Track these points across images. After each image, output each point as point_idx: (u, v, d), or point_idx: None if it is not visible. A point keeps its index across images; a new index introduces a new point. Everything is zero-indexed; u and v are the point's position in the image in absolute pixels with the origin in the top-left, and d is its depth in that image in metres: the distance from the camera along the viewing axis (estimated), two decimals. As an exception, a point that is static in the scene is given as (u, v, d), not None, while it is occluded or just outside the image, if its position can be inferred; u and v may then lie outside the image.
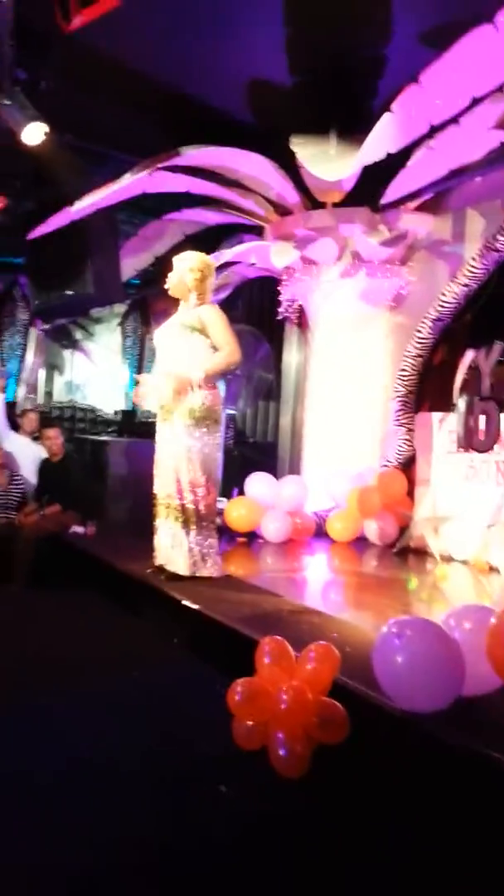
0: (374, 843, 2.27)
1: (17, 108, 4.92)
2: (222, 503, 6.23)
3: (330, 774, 2.53)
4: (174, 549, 4.22)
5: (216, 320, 4.16)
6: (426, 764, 2.47)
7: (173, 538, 4.22)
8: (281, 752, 2.50)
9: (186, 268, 4.23)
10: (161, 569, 4.33)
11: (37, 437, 6.41)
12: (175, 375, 4.09)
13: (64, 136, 6.17)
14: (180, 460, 4.15)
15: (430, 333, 6.09)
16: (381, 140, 4.86)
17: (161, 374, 4.19)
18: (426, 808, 2.38)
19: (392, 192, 5.77)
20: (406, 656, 2.50)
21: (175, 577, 4.16)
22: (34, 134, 5.08)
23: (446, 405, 5.88)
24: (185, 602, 3.90)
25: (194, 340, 4.15)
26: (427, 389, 6.38)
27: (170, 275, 4.31)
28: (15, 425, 6.71)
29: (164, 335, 4.30)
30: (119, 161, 6.43)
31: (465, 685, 2.54)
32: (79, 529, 5.57)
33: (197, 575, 4.19)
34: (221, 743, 2.69)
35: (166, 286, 4.32)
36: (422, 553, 5.62)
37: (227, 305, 8.33)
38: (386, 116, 4.67)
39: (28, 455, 6.28)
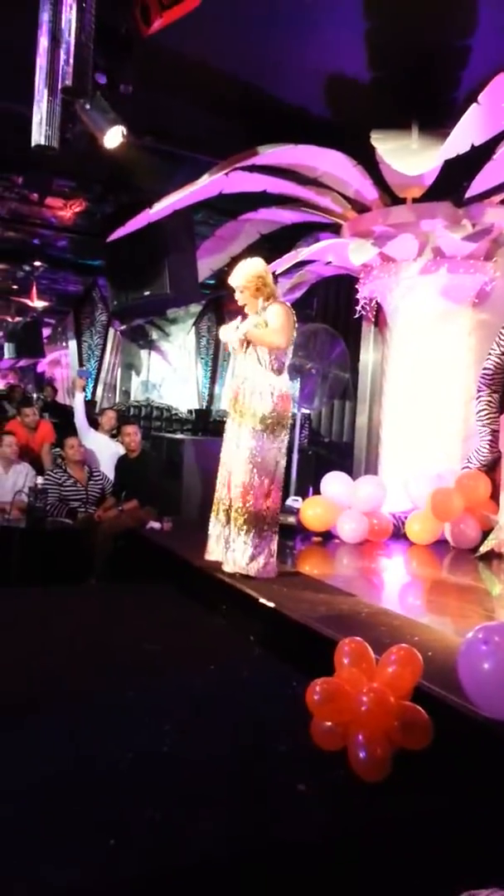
0: (452, 853, 2.19)
1: (98, 113, 5.01)
2: (297, 502, 6.20)
3: (411, 780, 2.46)
4: (227, 548, 4.23)
5: (276, 315, 4.10)
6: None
7: (226, 538, 4.22)
8: (361, 755, 2.44)
9: (241, 284, 4.21)
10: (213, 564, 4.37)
11: (115, 435, 6.55)
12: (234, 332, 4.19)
13: (143, 138, 6.28)
14: (241, 462, 4.14)
15: (515, 330, 5.88)
16: (467, 132, 4.72)
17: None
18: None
19: (477, 186, 5.61)
20: (493, 663, 2.41)
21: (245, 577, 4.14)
22: (114, 137, 5.16)
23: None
24: (261, 600, 3.88)
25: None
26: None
27: (237, 299, 4.31)
28: (94, 423, 6.87)
29: (235, 336, 4.29)
30: (197, 162, 6.50)
31: None
32: (155, 525, 5.64)
33: (249, 574, 4.16)
34: (300, 742, 2.65)
35: (244, 308, 4.32)
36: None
37: (301, 304, 8.32)
38: (473, 108, 4.53)
39: (107, 452, 6.42)
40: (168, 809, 2.24)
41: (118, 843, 2.05)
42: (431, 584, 4.99)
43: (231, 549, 4.22)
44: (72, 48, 3.61)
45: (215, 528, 4.35)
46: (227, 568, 4.23)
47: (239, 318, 4.37)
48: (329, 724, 2.57)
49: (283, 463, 4.27)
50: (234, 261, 8.12)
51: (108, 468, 6.21)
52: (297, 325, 4.24)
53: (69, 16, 3.62)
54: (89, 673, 3.37)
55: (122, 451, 6.14)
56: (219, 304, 12.02)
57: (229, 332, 4.28)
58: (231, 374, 4.44)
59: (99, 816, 2.20)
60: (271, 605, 3.80)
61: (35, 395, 9.97)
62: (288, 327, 4.12)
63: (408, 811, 2.36)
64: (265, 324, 4.12)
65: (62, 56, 3.68)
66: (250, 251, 7.77)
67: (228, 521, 4.26)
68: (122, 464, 5.99)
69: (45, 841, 2.06)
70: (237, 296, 4.29)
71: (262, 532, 4.20)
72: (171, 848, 2.07)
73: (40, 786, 2.34)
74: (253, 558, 4.16)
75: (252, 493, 4.14)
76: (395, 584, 5.00)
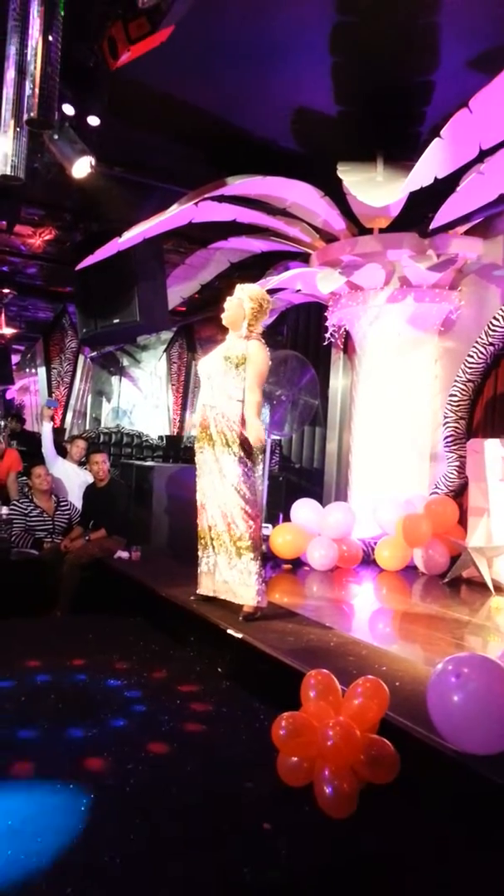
0: (421, 889, 2.16)
1: (66, 144, 5.04)
2: (267, 529, 6.18)
3: (378, 815, 2.42)
4: (241, 583, 4.10)
5: (256, 362, 4.08)
6: (482, 809, 2.35)
7: (238, 571, 4.11)
8: (327, 790, 2.40)
9: (247, 296, 4.19)
10: (205, 598, 4.30)
11: (83, 463, 6.48)
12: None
13: (113, 168, 6.32)
14: (233, 491, 4.10)
15: (481, 358, 5.98)
16: (430, 166, 4.82)
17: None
18: (480, 856, 2.26)
19: (441, 217, 5.72)
20: (463, 695, 2.40)
21: (251, 617, 4.02)
22: (82, 168, 5.18)
23: (501, 431, 5.75)
24: (230, 631, 3.84)
25: (235, 375, 4.11)
26: (481, 416, 6.25)
27: (228, 299, 4.27)
28: (63, 451, 6.80)
29: (208, 365, 4.28)
30: (167, 192, 6.55)
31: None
32: (124, 554, 5.57)
33: (260, 608, 4.09)
34: (266, 778, 2.61)
35: (223, 312, 4.28)
36: (474, 583, 5.46)
37: (271, 331, 8.38)
38: (435, 142, 4.64)
39: (75, 481, 6.35)
40: (129, 853, 2.18)
41: (74, 890, 1.99)
42: (400, 612, 4.99)
43: (252, 581, 4.06)
44: (37, 80, 3.62)
45: (208, 560, 4.25)
46: (249, 601, 4.06)
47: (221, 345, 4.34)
48: (295, 759, 2.53)
49: (262, 488, 4.25)
50: (205, 289, 8.22)
51: (76, 497, 6.13)
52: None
53: (34, 48, 3.64)
54: (52, 707, 3.29)
55: (90, 479, 6.07)
56: (190, 331, 12.06)
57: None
58: (201, 401, 4.38)
59: (54, 861, 2.13)
60: (239, 636, 3.76)
61: (2, 423, 9.85)
62: (264, 376, 4.16)
63: (375, 848, 2.32)
64: (243, 359, 4.10)
65: (28, 88, 3.69)
66: (220, 280, 7.85)
67: (214, 549, 4.20)
68: (90, 492, 5.93)
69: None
70: (233, 300, 4.22)
71: (258, 559, 4.15)
72: (131, 887, 2.01)
73: (-3, 830, 2.27)
74: (259, 593, 4.07)
75: (251, 519, 4.10)
76: (365, 612, 4.99)
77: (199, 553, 4.34)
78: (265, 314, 4.23)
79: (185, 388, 12.33)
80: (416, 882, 2.19)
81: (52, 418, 6.99)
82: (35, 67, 3.63)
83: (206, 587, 4.31)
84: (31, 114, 3.69)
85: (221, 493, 4.15)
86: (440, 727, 2.48)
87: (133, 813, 2.41)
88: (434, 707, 2.50)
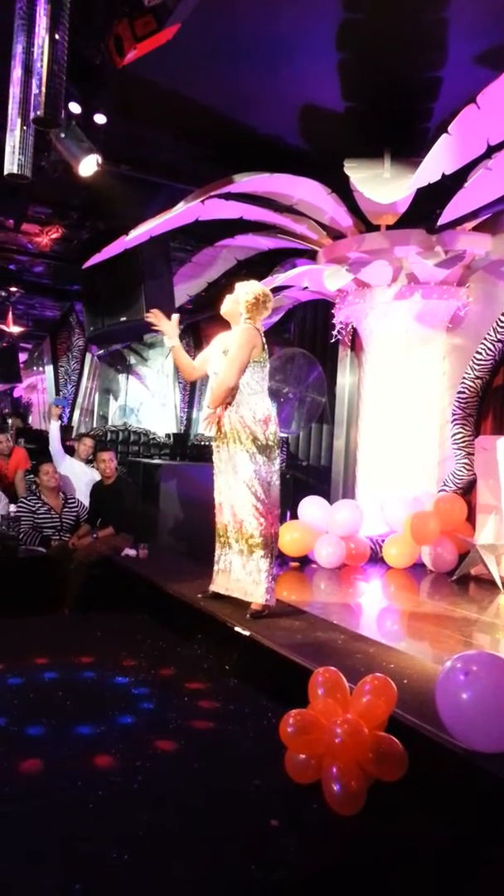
0: (430, 886, 2.16)
1: (73, 142, 5.04)
2: (277, 526, 6.17)
3: (386, 813, 2.42)
4: (251, 581, 4.10)
5: (236, 343, 4.05)
6: (489, 805, 2.34)
7: (249, 569, 4.11)
8: (335, 788, 2.40)
9: (244, 291, 4.19)
10: (214, 595, 4.31)
11: (91, 461, 6.50)
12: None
13: (119, 166, 6.33)
14: (244, 488, 4.10)
15: (489, 355, 5.95)
16: (438, 162, 4.80)
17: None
18: (488, 851, 2.25)
19: (449, 213, 5.70)
20: (472, 694, 2.39)
21: (259, 615, 4.02)
22: (89, 166, 5.18)
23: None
24: (237, 628, 3.84)
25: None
26: (490, 412, 6.22)
27: (227, 296, 4.28)
28: (70, 449, 6.82)
29: (214, 363, 4.28)
30: (173, 190, 6.56)
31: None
32: (131, 552, 5.57)
33: (269, 606, 4.09)
34: (274, 776, 2.61)
35: (222, 308, 4.29)
36: (483, 581, 5.45)
37: (279, 329, 8.37)
38: (443, 138, 4.62)
39: (82, 479, 6.37)
40: (136, 850, 2.18)
41: (83, 887, 1.99)
42: (408, 610, 4.98)
43: (262, 578, 4.08)
44: (43, 79, 3.62)
45: (236, 561, 4.20)
46: (259, 599, 4.07)
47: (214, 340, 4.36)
48: (303, 756, 2.53)
49: (277, 485, 4.23)
50: (212, 286, 8.21)
51: (83, 495, 6.16)
52: (265, 347, 4.22)
53: (41, 47, 3.64)
54: (60, 705, 3.31)
55: (97, 477, 6.08)
56: (197, 329, 12.05)
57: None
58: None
59: (63, 858, 2.14)
60: (247, 633, 3.76)
61: (9, 422, 9.87)
62: (243, 357, 4.03)
63: (383, 846, 2.32)
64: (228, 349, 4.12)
65: (34, 86, 3.70)
66: (228, 277, 7.84)
67: (231, 548, 4.20)
68: (98, 490, 5.94)
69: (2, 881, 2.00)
70: (228, 298, 4.24)
71: (272, 557, 4.16)
72: (140, 892, 2.02)
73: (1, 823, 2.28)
74: (268, 591, 4.08)
75: (267, 516, 4.11)
76: (372, 609, 4.98)
77: (217, 551, 4.34)
78: (264, 308, 4.20)
79: (192, 385, 12.34)
80: (424, 880, 2.19)
81: (60, 416, 7.01)
82: (41, 66, 3.63)
83: (220, 585, 4.30)
84: (38, 112, 3.70)
85: (235, 491, 4.15)
86: (449, 725, 2.48)
87: (140, 810, 2.42)
88: (443, 705, 2.50)
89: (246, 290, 4.17)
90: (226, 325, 4.41)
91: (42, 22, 3.67)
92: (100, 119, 5.24)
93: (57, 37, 3.63)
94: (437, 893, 2.14)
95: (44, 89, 3.63)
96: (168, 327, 4.34)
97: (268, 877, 2.11)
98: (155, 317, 4.36)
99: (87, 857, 2.14)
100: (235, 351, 4.03)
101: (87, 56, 4.57)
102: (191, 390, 12.31)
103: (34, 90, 3.70)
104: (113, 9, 4.38)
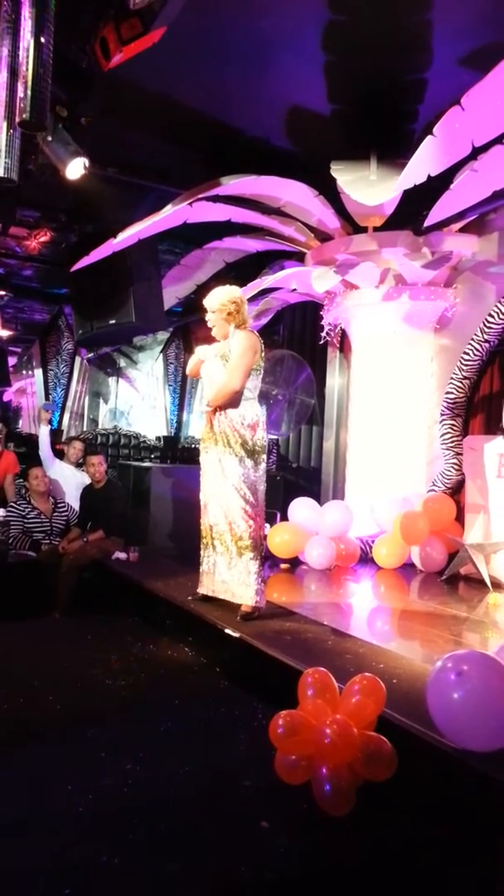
0: (421, 886, 2.16)
1: (60, 145, 5.03)
2: (265, 529, 6.18)
3: (376, 812, 2.43)
4: (240, 583, 4.12)
5: (239, 347, 4.07)
6: (479, 804, 2.35)
7: (238, 571, 4.13)
8: (325, 788, 2.41)
9: (218, 307, 4.18)
10: (203, 597, 4.31)
11: (81, 465, 6.48)
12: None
13: (107, 169, 6.32)
14: (233, 491, 4.11)
15: (476, 355, 5.98)
16: (423, 163, 4.82)
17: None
18: (478, 850, 2.26)
19: (435, 215, 5.72)
20: (463, 693, 2.40)
21: (249, 617, 4.03)
22: (76, 169, 5.17)
23: (498, 428, 5.75)
24: (227, 630, 3.84)
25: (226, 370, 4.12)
26: (478, 412, 6.25)
27: (208, 318, 4.27)
28: (59, 453, 6.80)
29: (209, 367, 4.28)
30: (161, 193, 6.55)
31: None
32: (122, 555, 5.57)
33: (258, 608, 4.10)
34: (265, 777, 2.61)
35: (212, 331, 4.29)
36: (472, 580, 5.47)
37: (267, 330, 8.38)
38: (428, 140, 4.63)
39: (72, 482, 6.36)
40: (128, 853, 2.18)
41: (74, 891, 1.99)
42: (398, 609, 4.99)
43: (251, 580, 4.09)
44: (29, 82, 3.61)
45: (221, 563, 4.22)
46: (249, 601, 4.08)
47: (207, 347, 4.36)
48: (293, 757, 2.54)
49: (263, 488, 4.24)
50: (201, 289, 8.21)
51: (73, 498, 6.14)
52: (263, 353, 4.24)
53: (27, 49, 3.63)
54: (51, 709, 3.30)
55: (87, 480, 6.07)
56: (187, 331, 12.05)
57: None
58: (199, 400, 4.41)
59: (54, 861, 2.13)
60: (237, 635, 3.76)
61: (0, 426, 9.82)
62: (247, 361, 4.07)
63: (373, 845, 2.32)
64: (228, 355, 4.12)
65: (20, 90, 3.69)
66: (216, 279, 7.84)
67: (214, 549, 4.22)
68: (88, 494, 5.92)
69: (-2, 891, 1.99)
70: (209, 317, 4.26)
71: (260, 559, 4.17)
72: (131, 895, 2.01)
73: (-5, 832, 2.27)
74: (258, 593, 4.09)
75: (254, 518, 4.12)
76: (363, 610, 4.99)
77: (201, 552, 4.35)
78: (243, 306, 4.23)
79: (182, 388, 12.33)
80: (414, 879, 2.20)
81: (49, 421, 6.99)
82: (27, 69, 3.62)
83: (206, 586, 4.33)
84: (24, 115, 3.69)
85: (223, 493, 4.16)
86: (440, 724, 2.48)
87: (131, 812, 2.42)
88: (434, 704, 2.51)
89: (221, 304, 4.18)
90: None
91: (27, 24, 3.67)
92: (86, 122, 5.22)
93: (42, 39, 3.62)
94: (427, 892, 2.15)
95: (29, 92, 3.61)
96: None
97: (258, 877, 2.12)
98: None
99: (77, 860, 2.14)
100: (239, 355, 4.06)
101: (73, 59, 4.56)
102: (181, 393, 12.30)
103: (20, 93, 3.70)
104: (98, 12, 4.38)
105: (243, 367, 4.05)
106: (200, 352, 4.36)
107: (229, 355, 4.12)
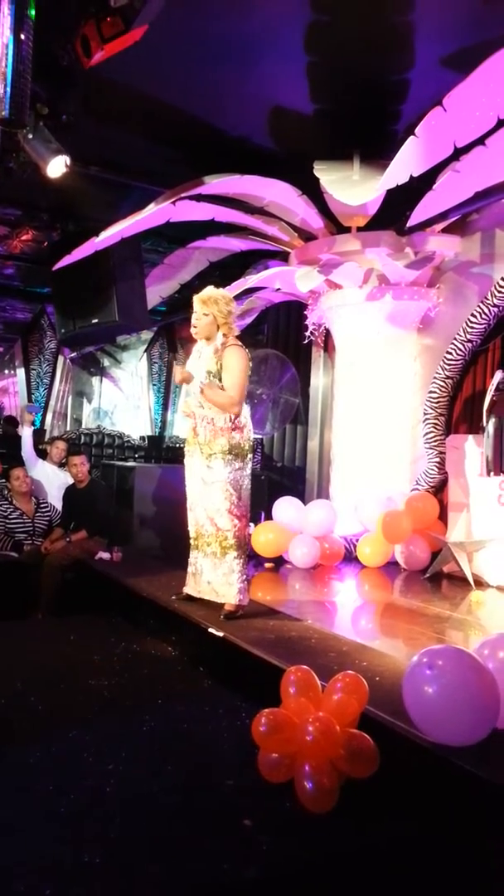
0: (401, 882, 2.17)
1: (41, 143, 5.00)
2: (249, 528, 6.18)
3: (359, 809, 2.43)
4: (223, 582, 4.13)
5: (233, 366, 4.06)
6: (459, 799, 2.37)
7: (222, 570, 4.14)
8: (308, 786, 2.41)
9: (216, 307, 4.12)
10: (187, 598, 4.31)
11: (64, 465, 6.45)
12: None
13: (89, 168, 6.29)
14: (218, 492, 4.11)
15: (459, 355, 6.02)
16: (406, 164, 4.84)
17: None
18: (459, 846, 2.27)
19: (418, 215, 5.75)
20: (438, 687, 2.41)
21: (232, 615, 4.04)
22: (58, 167, 5.15)
23: (480, 427, 5.78)
24: (211, 629, 3.84)
25: (219, 384, 4.09)
26: (460, 412, 6.29)
27: (195, 314, 4.20)
28: (42, 453, 6.75)
29: (194, 373, 4.23)
30: (144, 191, 6.53)
31: (500, 717, 2.44)
32: (105, 555, 5.54)
33: (241, 606, 4.11)
34: (247, 775, 2.61)
35: (193, 330, 4.22)
36: (455, 578, 5.50)
37: (252, 330, 8.38)
38: (410, 140, 4.65)
39: (55, 482, 6.32)
40: (110, 853, 2.17)
41: (55, 891, 1.98)
42: (382, 608, 5.01)
43: (234, 580, 4.10)
44: (8, 79, 3.59)
45: (207, 563, 4.23)
46: (232, 600, 4.09)
47: (192, 360, 4.31)
48: (275, 755, 2.54)
49: (248, 489, 4.25)
50: (185, 288, 8.19)
51: (56, 499, 6.09)
52: (250, 363, 4.24)
53: (6, 46, 3.61)
54: (34, 710, 3.28)
55: (70, 480, 6.03)
56: (171, 331, 12.02)
57: (193, 384, 4.16)
58: (184, 399, 4.38)
59: (36, 861, 2.12)
60: (220, 634, 3.76)
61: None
62: (244, 379, 4.09)
63: (355, 842, 2.33)
64: (220, 367, 4.09)
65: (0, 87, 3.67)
66: (200, 279, 7.83)
67: (226, 552, 4.18)
68: (70, 494, 5.89)
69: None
70: (197, 312, 4.19)
71: (244, 558, 4.18)
72: (112, 894, 2.00)
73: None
74: (241, 592, 4.10)
75: (238, 518, 4.12)
76: (346, 608, 5.00)
77: (190, 554, 4.37)
78: (232, 307, 4.22)
79: (166, 388, 12.29)
80: (396, 875, 2.20)
81: (32, 423, 6.94)
82: (6, 66, 3.60)
83: (191, 587, 4.34)
84: (3, 113, 3.66)
85: (208, 495, 4.17)
86: (416, 719, 2.50)
87: (114, 811, 2.41)
88: (410, 699, 2.52)
89: (218, 305, 4.14)
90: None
91: (6, 21, 3.64)
92: (68, 120, 5.19)
93: (22, 37, 3.60)
94: (409, 889, 2.16)
95: (8, 90, 3.60)
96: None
97: (241, 876, 2.12)
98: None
99: (58, 859, 2.13)
100: (236, 377, 4.05)
101: (54, 57, 4.53)
102: (165, 393, 12.27)
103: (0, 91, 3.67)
104: (79, 9, 4.36)
105: (240, 388, 4.07)
106: (190, 366, 4.28)
107: (216, 371, 4.09)
